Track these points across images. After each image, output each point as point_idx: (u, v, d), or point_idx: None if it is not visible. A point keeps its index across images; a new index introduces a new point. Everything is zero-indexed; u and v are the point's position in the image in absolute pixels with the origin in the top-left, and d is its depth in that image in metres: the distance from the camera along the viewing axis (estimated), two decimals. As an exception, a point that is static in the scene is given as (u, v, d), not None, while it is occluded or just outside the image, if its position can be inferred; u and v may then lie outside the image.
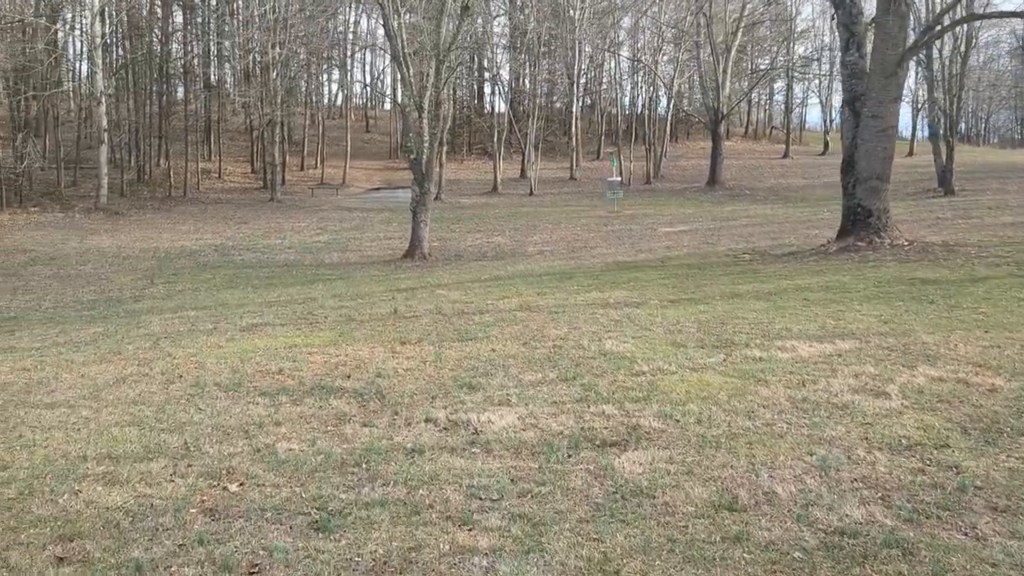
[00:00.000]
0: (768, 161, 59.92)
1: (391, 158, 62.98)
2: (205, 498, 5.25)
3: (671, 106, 56.14)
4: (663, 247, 22.36)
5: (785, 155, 61.29)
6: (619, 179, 38.30)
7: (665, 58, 56.87)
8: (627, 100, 66.67)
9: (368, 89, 79.27)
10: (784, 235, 23.06)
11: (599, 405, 6.89)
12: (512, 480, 5.42)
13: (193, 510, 5.08)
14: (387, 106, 78.21)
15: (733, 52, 49.46)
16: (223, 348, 9.64)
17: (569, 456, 5.82)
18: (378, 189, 50.13)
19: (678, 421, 6.47)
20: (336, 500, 5.17)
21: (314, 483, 5.43)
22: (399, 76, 25.36)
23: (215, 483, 5.48)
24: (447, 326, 10.47)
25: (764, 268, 15.95)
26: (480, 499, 5.14)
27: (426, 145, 23.27)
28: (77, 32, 50.23)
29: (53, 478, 5.64)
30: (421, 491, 5.28)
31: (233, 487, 5.39)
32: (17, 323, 15.06)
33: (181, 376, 8.21)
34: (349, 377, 7.96)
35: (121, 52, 50.75)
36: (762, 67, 63.79)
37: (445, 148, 43.86)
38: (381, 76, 78.52)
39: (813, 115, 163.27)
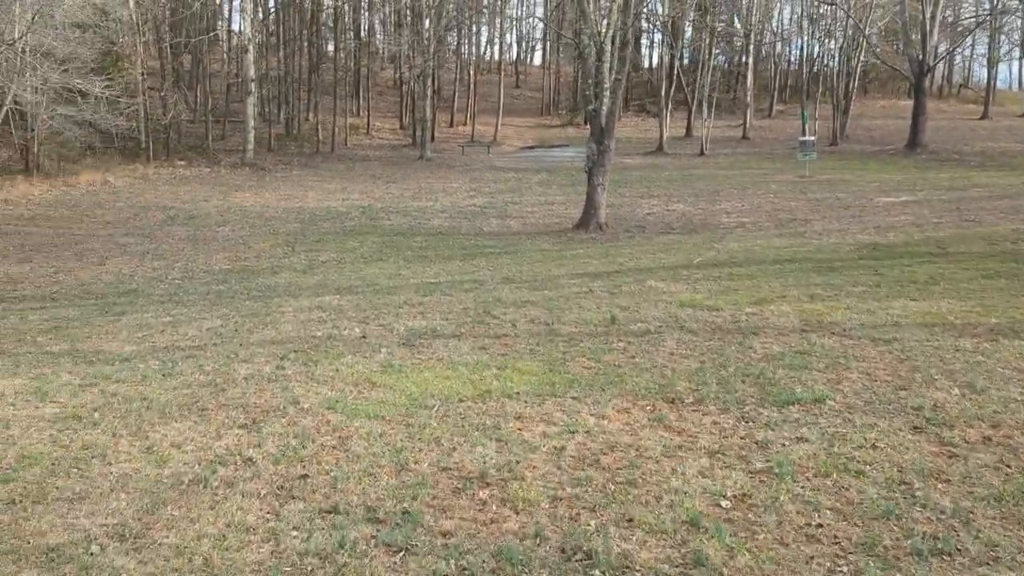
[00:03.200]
0: (965, 122, 53.33)
1: (542, 115, 59.58)
2: None
3: (860, 57, 49.73)
4: (905, 222, 17.83)
5: (984, 116, 54.73)
6: (812, 138, 33.35)
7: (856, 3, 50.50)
8: (803, 53, 60.29)
9: (527, 30, 75.66)
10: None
11: None
12: None
13: None
14: (537, 60, 74.51)
15: (943, -7, 42.92)
16: (375, 389, 6.29)
17: None
18: (531, 148, 46.73)
19: None
20: None
21: None
22: (578, 11, 21.42)
23: None
24: (718, 362, 6.66)
25: None
26: None
27: (607, 94, 19.41)
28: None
29: None
30: None
31: None
32: (132, 301, 12.40)
33: (306, 475, 4.79)
34: (631, 521, 4.21)
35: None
36: (959, 17, 55.98)
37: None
38: (532, 27, 74.64)
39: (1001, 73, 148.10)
